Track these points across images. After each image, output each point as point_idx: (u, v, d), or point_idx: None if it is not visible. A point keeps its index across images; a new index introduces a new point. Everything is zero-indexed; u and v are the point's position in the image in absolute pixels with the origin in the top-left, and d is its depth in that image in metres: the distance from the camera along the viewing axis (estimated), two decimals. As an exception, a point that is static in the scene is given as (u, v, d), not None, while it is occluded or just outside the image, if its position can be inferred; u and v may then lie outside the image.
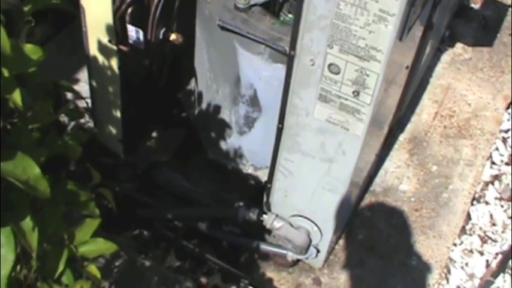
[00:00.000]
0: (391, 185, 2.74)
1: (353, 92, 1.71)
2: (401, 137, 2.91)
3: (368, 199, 2.68)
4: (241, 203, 2.33)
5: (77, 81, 2.62)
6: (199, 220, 2.43)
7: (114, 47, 2.02)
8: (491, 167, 2.84)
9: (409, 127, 2.95)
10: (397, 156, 2.84)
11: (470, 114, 3.03)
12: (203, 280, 2.36)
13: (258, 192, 2.32)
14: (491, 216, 2.67)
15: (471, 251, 2.56)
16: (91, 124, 2.45)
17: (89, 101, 2.30)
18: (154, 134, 2.60)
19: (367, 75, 1.65)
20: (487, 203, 2.72)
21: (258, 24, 1.98)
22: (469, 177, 2.80)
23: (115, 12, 1.93)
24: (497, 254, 2.55)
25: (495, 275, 2.45)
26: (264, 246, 2.38)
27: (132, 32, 2.04)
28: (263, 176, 2.34)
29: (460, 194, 2.74)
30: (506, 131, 2.96)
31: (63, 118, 2.32)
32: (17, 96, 1.03)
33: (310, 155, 1.97)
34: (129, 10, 1.96)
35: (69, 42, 2.71)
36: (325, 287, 2.43)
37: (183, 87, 2.60)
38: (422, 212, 2.66)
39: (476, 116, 3.03)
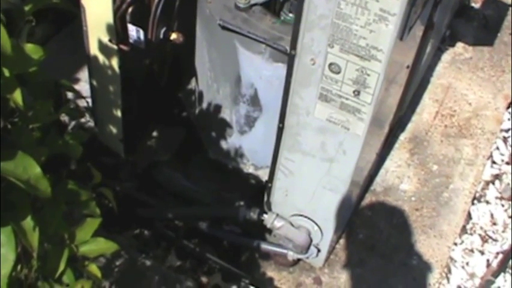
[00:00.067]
0: (392, 184, 2.74)
1: (354, 92, 1.71)
2: (402, 137, 2.91)
3: (369, 198, 2.68)
4: (241, 203, 2.33)
5: (77, 80, 2.62)
6: (200, 219, 2.43)
7: (115, 47, 2.02)
8: (491, 167, 2.84)
9: (409, 126, 2.95)
10: (398, 156, 2.84)
11: (471, 113, 3.03)
12: (204, 279, 2.36)
13: (258, 192, 2.32)
14: (491, 215, 2.67)
15: (472, 251, 2.56)
16: (91, 123, 2.45)
17: (89, 100, 2.30)
18: (154, 134, 2.60)
19: (368, 75, 1.65)
20: (487, 202, 2.72)
21: (258, 23, 1.98)
22: (470, 177, 2.80)
23: (115, 12, 1.93)
24: (497, 253, 2.55)
25: (496, 274, 2.45)
26: (264, 246, 2.38)
27: (133, 31, 2.04)
28: (264, 175, 2.34)
29: (460, 194, 2.74)
30: (507, 131, 2.96)
31: (64, 117, 2.32)
32: (17, 96, 1.03)
33: (311, 155, 1.96)
34: (130, 9, 1.95)
35: (69, 41, 2.71)
36: (326, 287, 2.43)
37: (184, 86, 2.60)
38: (423, 211, 2.66)
39: (477, 115, 3.03)
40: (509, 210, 2.69)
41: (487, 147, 2.90)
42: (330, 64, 1.69)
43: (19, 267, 1.19)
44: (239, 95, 2.18)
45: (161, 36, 2.09)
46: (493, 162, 2.85)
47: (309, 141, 1.93)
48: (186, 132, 2.57)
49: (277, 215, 2.24)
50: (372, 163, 2.47)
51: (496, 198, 2.73)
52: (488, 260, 2.54)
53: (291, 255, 2.33)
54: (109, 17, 1.95)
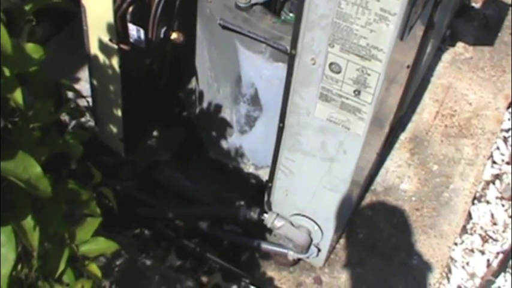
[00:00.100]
0: (392, 184, 2.74)
1: (354, 91, 1.71)
2: (402, 136, 2.91)
3: (369, 198, 2.68)
4: (242, 202, 2.33)
5: (78, 80, 2.62)
6: (200, 219, 2.43)
7: (115, 46, 2.02)
8: (492, 166, 2.83)
9: (410, 126, 2.95)
10: (398, 156, 2.84)
11: (471, 113, 3.03)
12: (204, 279, 2.36)
13: (258, 192, 2.32)
14: (492, 215, 2.67)
15: (472, 251, 2.56)
16: (92, 123, 2.45)
17: (89, 99, 2.30)
18: (155, 133, 2.60)
19: (368, 75, 1.65)
20: (488, 202, 2.72)
21: (259, 23, 1.98)
22: (470, 177, 2.80)
23: (116, 11, 1.93)
24: (498, 253, 2.55)
25: (496, 274, 2.44)
26: (265, 245, 2.38)
27: (133, 30, 2.04)
28: (264, 175, 2.34)
29: (461, 193, 2.74)
30: (507, 130, 2.96)
31: (64, 117, 2.32)
32: (18, 96, 1.02)
33: (311, 154, 1.96)
34: (130, 9, 1.95)
35: (70, 41, 2.71)
36: (326, 286, 2.43)
37: (184, 86, 2.60)
38: (423, 211, 2.66)
39: (477, 115, 3.02)
40: (510, 210, 2.68)
41: (487, 147, 2.90)
42: (331, 64, 1.69)
43: (19, 266, 1.19)
44: (239, 94, 2.18)
45: (161, 35, 2.09)
46: (494, 162, 2.85)
47: (309, 141, 1.93)
48: (187, 131, 2.57)
49: (278, 214, 2.24)
50: (372, 163, 2.47)
51: (497, 198, 2.73)
52: (488, 260, 2.54)
53: (291, 254, 2.33)
54: (109, 17, 1.95)
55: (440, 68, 3.19)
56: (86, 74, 2.28)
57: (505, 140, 2.93)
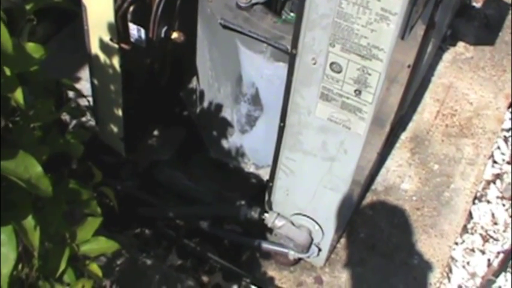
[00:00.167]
0: (393, 183, 2.73)
1: (355, 91, 1.71)
2: (403, 136, 2.91)
3: (369, 198, 2.67)
4: (242, 202, 2.33)
5: (78, 79, 2.62)
6: (201, 219, 2.43)
7: (116, 46, 2.02)
8: (492, 166, 2.83)
9: (410, 126, 2.95)
10: (399, 155, 2.84)
11: (472, 113, 3.03)
12: (205, 279, 2.36)
13: (259, 191, 2.32)
14: (492, 215, 2.67)
15: (473, 250, 2.56)
16: (92, 122, 2.45)
17: (90, 99, 2.30)
18: (155, 133, 2.60)
19: (369, 74, 1.65)
20: (488, 201, 2.72)
21: (259, 22, 1.98)
22: (471, 176, 2.80)
23: (117, 11, 1.93)
24: (498, 253, 2.55)
25: (497, 274, 2.44)
26: (265, 245, 2.38)
27: (134, 30, 2.04)
28: (265, 174, 2.34)
29: (461, 193, 2.73)
30: (508, 130, 2.96)
31: (65, 116, 2.31)
32: (18, 95, 1.02)
33: (312, 154, 1.96)
34: (131, 8, 1.95)
35: (70, 40, 2.71)
36: (327, 286, 2.43)
37: (185, 85, 2.60)
38: (424, 210, 2.66)
39: (478, 114, 3.02)
40: (510, 210, 2.68)
41: (488, 147, 2.90)
42: (331, 63, 1.69)
43: (20, 266, 1.19)
44: (240, 94, 2.18)
45: (162, 35, 2.09)
46: (494, 161, 2.85)
47: (310, 141, 1.93)
48: (187, 131, 2.57)
49: (278, 214, 2.24)
50: (373, 162, 2.47)
51: (497, 197, 2.73)
52: (489, 260, 2.54)
53: (292, 254, 2.33)
54: (110, 16, 1.95)
55: (441, 67, 3.19)
56: (87, 73, 2.28)
57: (506, 139, 2.93)
